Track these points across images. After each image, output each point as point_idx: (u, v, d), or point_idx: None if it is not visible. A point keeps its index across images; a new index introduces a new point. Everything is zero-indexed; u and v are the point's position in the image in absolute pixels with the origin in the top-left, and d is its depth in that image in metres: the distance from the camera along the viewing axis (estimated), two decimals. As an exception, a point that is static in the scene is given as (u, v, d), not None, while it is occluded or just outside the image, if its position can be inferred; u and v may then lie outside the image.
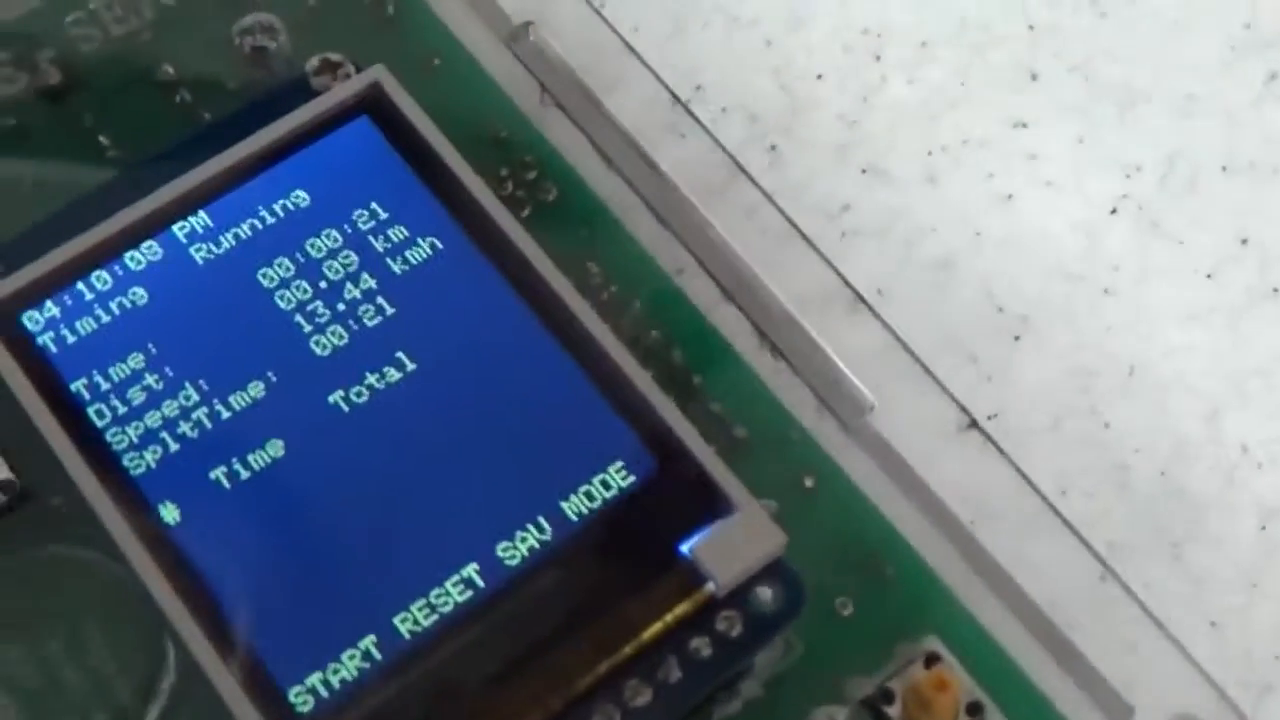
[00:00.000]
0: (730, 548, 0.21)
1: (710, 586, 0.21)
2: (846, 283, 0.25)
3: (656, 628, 0.20)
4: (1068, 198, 0.28)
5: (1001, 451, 0.24)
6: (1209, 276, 0.28)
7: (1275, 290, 0.28)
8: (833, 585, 0.23)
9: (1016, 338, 0.27)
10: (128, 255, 0.22)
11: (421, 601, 0.20)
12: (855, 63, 0.29)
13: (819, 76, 0.29)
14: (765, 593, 0.21)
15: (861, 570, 0.23)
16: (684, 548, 0.21)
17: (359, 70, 0.23)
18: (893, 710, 0.21)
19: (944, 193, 0.28)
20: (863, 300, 0.25)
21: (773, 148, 0.28)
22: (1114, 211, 0.28)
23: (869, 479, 0.24)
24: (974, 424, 0.24)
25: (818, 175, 0.28)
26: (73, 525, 0.21)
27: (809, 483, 0.23)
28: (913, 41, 0.29)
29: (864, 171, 0.28)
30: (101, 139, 0.24)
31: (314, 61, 0.23)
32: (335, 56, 0.23)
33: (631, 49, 0.26)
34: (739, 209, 0.26)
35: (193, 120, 0.25)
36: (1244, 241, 0.28)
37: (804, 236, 0.26)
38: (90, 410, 0.21)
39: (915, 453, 0.24)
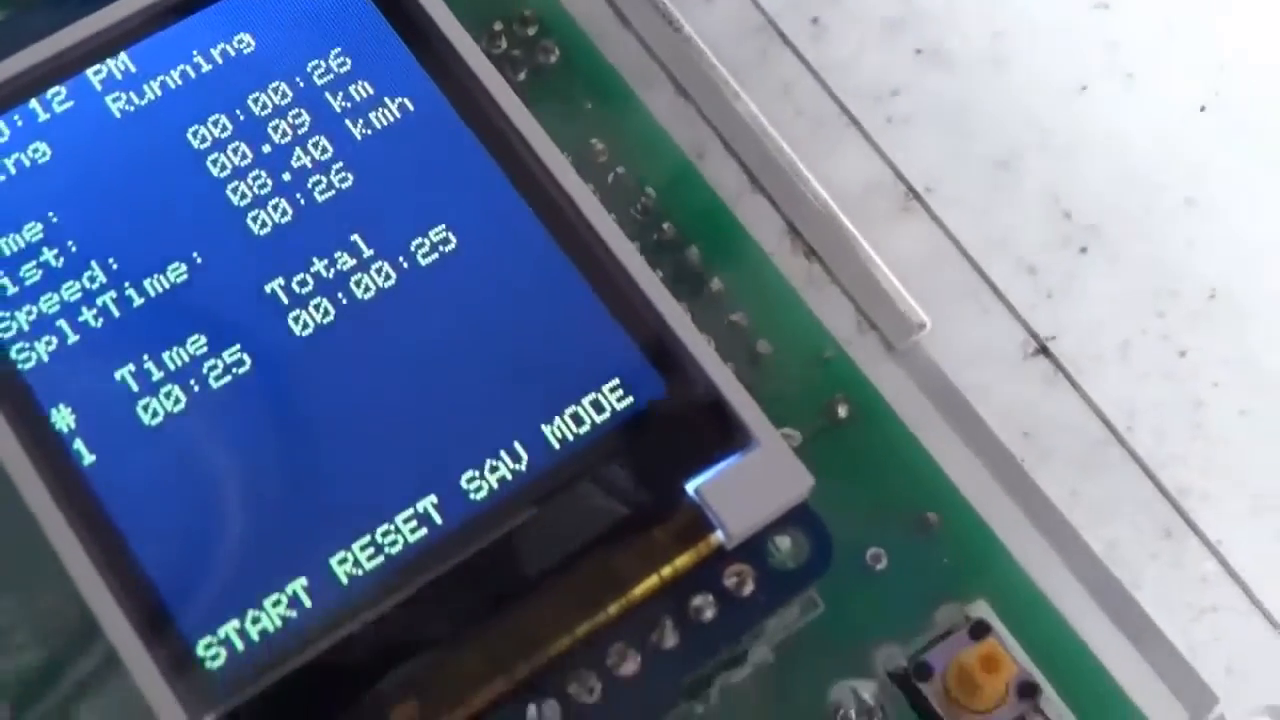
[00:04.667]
0: (745, 490, 0.19)
1: (718, 535, 0.19)
2: (898, 174, 0.25)
3: (650, 583, 0.19)
4: (1151, 93, 0.27)
5: (1074, 383, 0.23)
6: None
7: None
8: (864, 534, 0.21)
9: (1083, 249, 0.25)
10: (30, 102, 0.20)
11: (365, 540, 0.18)
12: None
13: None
14: (784, 543, 0.20)
15: (900, 517, 0.21)
16: (689, 487, 0.19)
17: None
18: (929, 688, 0.20)
19: (1009, 79, 0.27)
20: (916, 196, 0.24)
21: (815, 20, 0.27)
22: (1203, 109, 0.27)
23: (915, 410, 0.22)
24: (1043, 349, 0.23)
25: (864, 53, 0.27)
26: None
27: (843, 412, 0.22)
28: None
29: (918, 52, 0.27)
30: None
31: None
32: None
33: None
34: (773, 84, 0.25)
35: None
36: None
37: (850, 117, 0.25)
38: (-30, 287, 0.19)
39: (970, 381, 0.22)
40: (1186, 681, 0.21)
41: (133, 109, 0.20)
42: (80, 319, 0.18)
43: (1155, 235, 0.26)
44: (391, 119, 0.20)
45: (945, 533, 0.21)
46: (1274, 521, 0.24)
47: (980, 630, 0.20)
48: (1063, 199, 0.26)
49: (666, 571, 0.18)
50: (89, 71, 0.20)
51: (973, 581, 0.21)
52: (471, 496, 0.18)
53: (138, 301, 0.18)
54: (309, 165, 0.19)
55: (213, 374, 0.18)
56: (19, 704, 0.19)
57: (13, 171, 0.19)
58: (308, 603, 0.17)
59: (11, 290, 0.18)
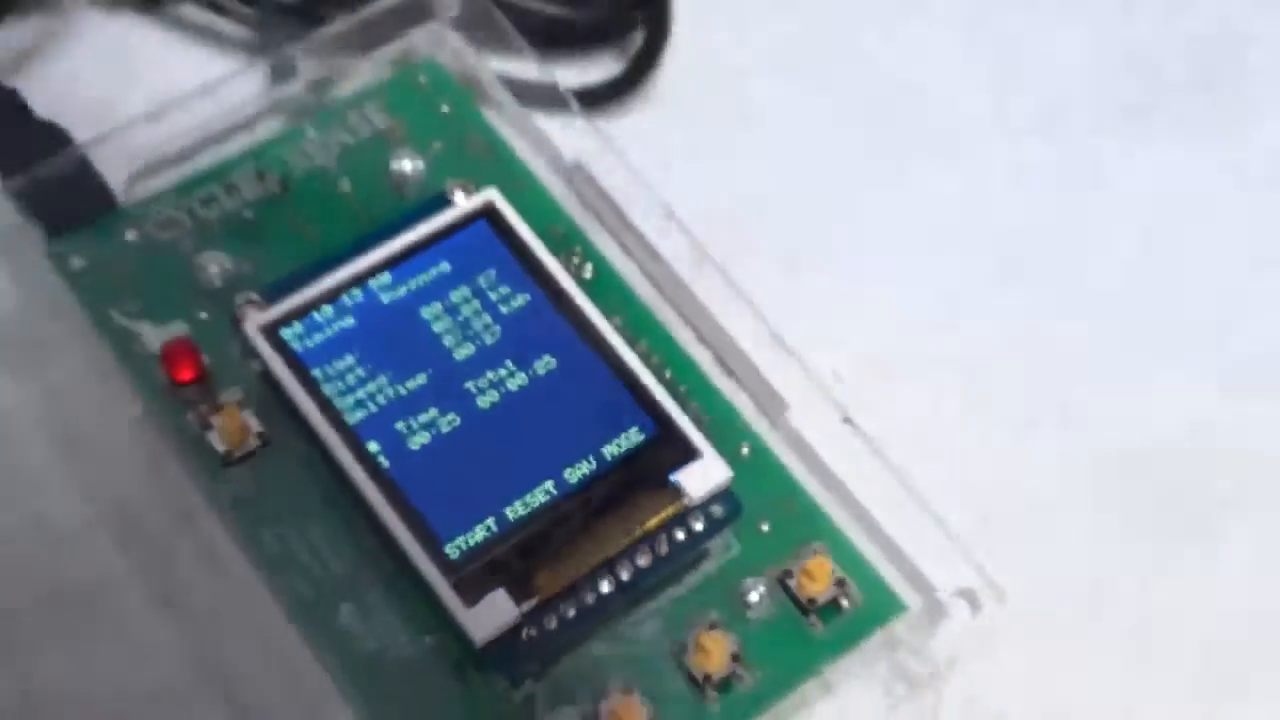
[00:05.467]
0: (699, 478, 0.31)
1: (686, 500, 0.30)
2: (775, 334, 0.36)
3: (654, 522, 0.30)
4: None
5: (864, 436, 0.35)
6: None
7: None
8: (759, 512, 0.32)
9: (894, 371, 0.36)
10: (343, 297, 0.32)
11: (519, 501, 0.31)
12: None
13: (769, 194, 0.39)
14: (718, 508, 0.31)
15: (777, 504, 0.32)
16: (673, 477, 0.31)
17: (478, 190, 0.34)
18: (792, 582, 0.33)
19: (868, 264, 0.38)
20: (784, 344, 0.36)
21: (730, 254, 0.37)
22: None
23: (784, 449, 0.33)
24: (848, 420, 0.35)
25: (759, 279, 0.37)
26: (298, 462, 0.33)
27: (745, 451, 0.33)
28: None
29: (788, 266, 0.39)
30: (307, 229, 0.35)
31: (451, 184, 0.34)
32: (464, 181, 0.34)
33: (645, 184, 0.37)
34: (711, 282, 0.35)
35: (361, 220, 0.34)
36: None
37: (750, 304, 0.36)
38: (324, 387, 0.31)
39: (815, 435, 0.33)
40: (918, 578, 0.31)
41: (393, 299, 0.33)
42: (377, 400, 0.33)
43: (948, 364, 0.37)
44: (519, 305, 0.34)
45: (801, 511, 0.32)
46: (969, 504, 0.34)
47: (817, 553, 0.32)
48: (890, 337, 0.38)
49: (662, 516, 0.30)
50: (370, 282, 0.32)
51: (812, 533, 0.32)
52: (569, 480, 0.31)
53: (403, 393, 0.32)
54: (481, 328, 0.33)
55: (443, 425, 0.33)
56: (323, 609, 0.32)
57: (336, 332, 0.32)
58: (494, 528, 0.31)
59: (343, 387, 0.32)
